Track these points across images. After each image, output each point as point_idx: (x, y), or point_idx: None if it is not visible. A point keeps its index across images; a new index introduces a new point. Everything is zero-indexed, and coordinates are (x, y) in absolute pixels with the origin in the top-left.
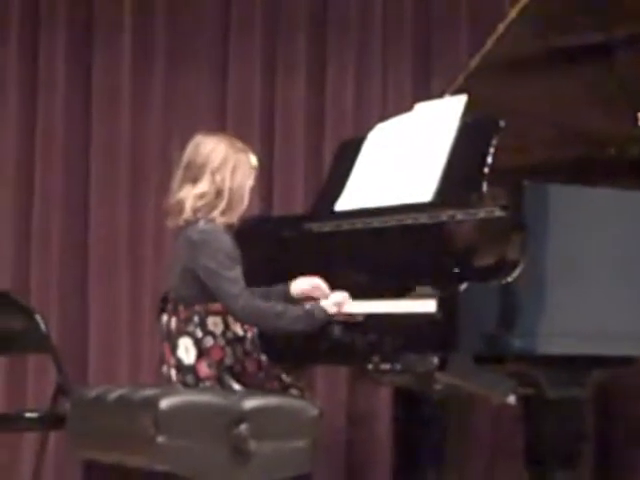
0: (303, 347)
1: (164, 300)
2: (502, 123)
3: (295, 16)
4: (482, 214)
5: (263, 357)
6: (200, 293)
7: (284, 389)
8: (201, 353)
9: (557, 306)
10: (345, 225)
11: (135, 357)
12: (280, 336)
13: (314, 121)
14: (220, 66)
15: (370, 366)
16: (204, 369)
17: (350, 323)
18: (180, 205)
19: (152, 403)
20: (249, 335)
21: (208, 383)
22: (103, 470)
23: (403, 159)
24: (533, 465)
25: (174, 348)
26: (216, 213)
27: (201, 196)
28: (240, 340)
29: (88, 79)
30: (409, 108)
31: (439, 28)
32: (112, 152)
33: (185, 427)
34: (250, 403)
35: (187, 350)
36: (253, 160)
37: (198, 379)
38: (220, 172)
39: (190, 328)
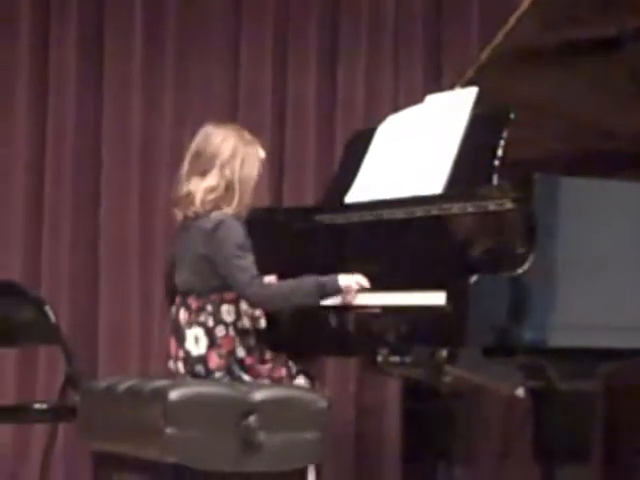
0: (312, 337)
1: (171, 292)
2: (513, 115)
3: (307, 7)
4: (492, 206)
5: (268, 353)
6: (216, 281)
7: (292, 377)
8: (212, 343)
9: (567, 298)
10: (355, 217)
11: (145, 349)
12: (289, 326)
13: (325, 112)
14: (231, 56)
15: (379, 358)
16: (215, 359)
17: (361, 315)
18: (190, 198)
19: (161, 394)
20: (256, 327)
21: (218, 374)
22: (112, 461)
23: (414, 151)
24: (542, 458)
25: (182, 340)
26: (225, 205)
27: (211, 190)
28: (247, 332)
29: (100, 68)
30: (420, 100)
31: (450, 21)
32: (124, 142)
33: (194, 418)
34: (259, 394)
35: (197, 340)
36: (261, 152)
37: (208, 369)
38: (230, 165)
39: (202, 318)
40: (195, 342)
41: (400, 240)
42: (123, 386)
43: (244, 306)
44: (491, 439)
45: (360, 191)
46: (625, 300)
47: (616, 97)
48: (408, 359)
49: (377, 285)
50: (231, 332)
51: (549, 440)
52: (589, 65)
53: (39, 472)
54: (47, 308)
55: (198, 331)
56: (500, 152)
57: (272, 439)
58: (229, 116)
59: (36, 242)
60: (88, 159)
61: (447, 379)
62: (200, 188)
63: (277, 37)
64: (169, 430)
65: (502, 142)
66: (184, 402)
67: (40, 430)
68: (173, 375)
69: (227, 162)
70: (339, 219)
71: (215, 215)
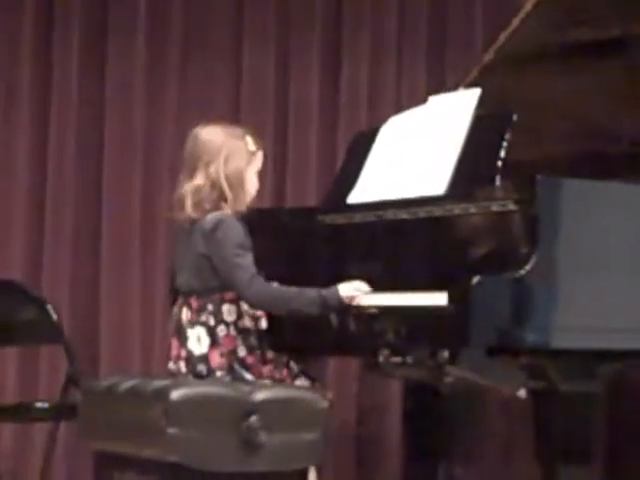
0: (313, 338)
1: (174, 292)
2: (515, 117)
3: (309, 9)
4: (495, 207)
5: (269, 353)
6: (216, 281)
7: (293, 378)
8: (214, 342)
9: (569, 300)
10: (358, 218)
11: (147, 348)
12: (290, 326)
13: (328, 113)
14: (234, 55)
15: (381, 359)
16: (216, 358)
17: (362, 315)
18: (181, 201)
19: (163, 394)
20: (257, 327)
21: (220, 373)
22: (114, 461)
23: (416, 152)
24: (543, 458)
25: (184, 340)
26: (221, 203)
27: (197, 190)
28: (248, 332)
29: (102, 68)
30: (423, 101)
31: (454, 21)
32: (126, 143)
33: (196, 418)
34: (260, 395)
35: (199, 340)
36: (251, 144)
37: (210, 368)
38: (213, 163)
39: (203, 317)
40: (197, 341)
41: (403, 241)
42: (124, 386)
43: (245, 306)
44: (492, 440)
45: (363, 192)
46: (627, 302)
47: (619, 99)
48: (409, 360)
49: (379, 285)
50: (232, 331)
51: (550, 440)
52: (592, 67)
53: (40, 471)
54: (49, 307)
55: (200, 330)
56: (503, 153)
57: (273, 439)
58: (231, 117)
59: (38, 242)
60: (90, 158)
61: (448, 380)
62: (188, 190)
63: (279, 38)
64: (170, 430)
65: (505, 143)
66: (185, 402)
67: (41, 429)
68: (174, 376)
69: (210, 161)
70: (341, 220)
71: (214, 215)
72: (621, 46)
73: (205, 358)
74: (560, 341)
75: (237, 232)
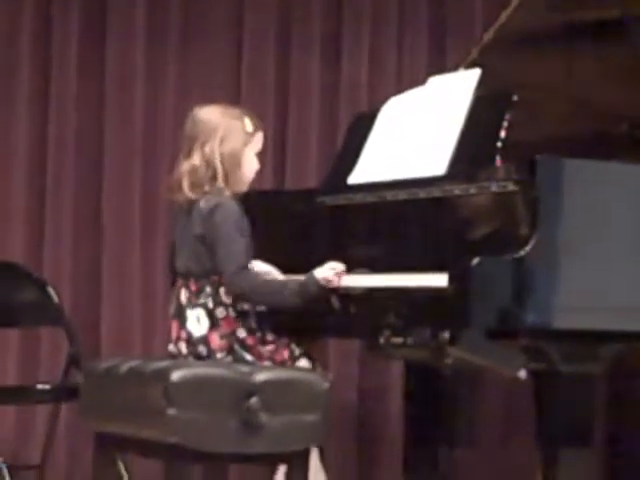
0: (313, 319)
1: (173, 272)
2: (515, 97)
3: None
4: (495, 188)
5: (270, 335)
6: (214, 263)
7: (294, 360)
8: (213, 324)
9: (570, 280)
10: (358, 199)
11: (148, 330)
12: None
13: (328, 95)
14: (235, 40)
15: (382, 340)
16: (216, 340)
17: (363, 297)
18: (178, 182)
19: (163, 375)
20: (255, 309)
21: (220, 354)
22: (114, 442)
23: (416, 132)
24: (544, 440)
25: (184, 321)
26: (217, 184)
27: (193, 170)
28: (247, 314)
29: (102, 56)
30: (424, 82)
31: (454, 2)
32: (126, 129)
33: (196, 399)
34: (261, 376)
35: (199, 321)
36: (249, 125)
37: (210, 350)
38: (209, 143)
39: (202, 299)
40: (197, 322)
41: (403, 221)
42: (125, 367)
43: None
44: (493, 421)
45: (363, 173)
46: (627, 282)
47: (619, 79)
48: (410, 340)
49: (379, 266)
50: (231, 313)
51: (551, 422)
52: (593, 47)
53: (42, 452)
54: (50, 289)
55: (200, 312)
56: (503, 134)
57: (273, 421)
58: (232, 100)
59: (38, 224)
60: (90, 143)
61: (449, 361)
62: (185, 170)
63: (280, 21)
64: (171, 411)
65: (505, 124)
66: (186, 383)
67: (43, 411)
68: (174, 357)
69: (206, 141)
70: (342, 201)
71: (212, 197)
72: (621, 26)
73: (205, 339)
74: (561, 322)
75: (234, 216)
